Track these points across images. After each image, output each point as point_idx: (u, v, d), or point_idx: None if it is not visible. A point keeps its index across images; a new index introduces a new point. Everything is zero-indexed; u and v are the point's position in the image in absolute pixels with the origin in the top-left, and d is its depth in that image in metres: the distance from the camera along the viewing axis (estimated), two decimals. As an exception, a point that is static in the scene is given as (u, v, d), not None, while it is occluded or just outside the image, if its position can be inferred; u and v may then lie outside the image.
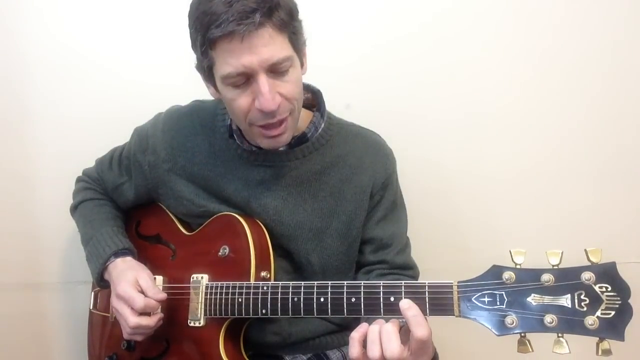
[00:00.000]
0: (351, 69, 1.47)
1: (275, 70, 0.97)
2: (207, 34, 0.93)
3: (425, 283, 0.86)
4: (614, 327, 0.75)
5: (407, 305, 0.85)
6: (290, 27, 0.97)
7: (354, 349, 0.87)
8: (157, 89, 1.43)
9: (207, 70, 1.01)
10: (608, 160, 1.50)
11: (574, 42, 1.46)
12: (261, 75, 0.95)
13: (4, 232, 1.50)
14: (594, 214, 1.48)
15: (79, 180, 1.35)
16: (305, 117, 1.15)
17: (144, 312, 1.05)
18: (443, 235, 1.49)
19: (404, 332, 0.87)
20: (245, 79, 0.97)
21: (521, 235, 1.46)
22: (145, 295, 1.06)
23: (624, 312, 0.75)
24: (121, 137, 1.28)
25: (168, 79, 1.45)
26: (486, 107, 1.49)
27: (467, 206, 1.51)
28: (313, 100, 1.18)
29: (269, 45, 0.94)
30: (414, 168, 1.42)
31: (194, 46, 1.00)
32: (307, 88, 1.16)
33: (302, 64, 1.05)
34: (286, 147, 1.12)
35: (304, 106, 1.15)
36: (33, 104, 1.47)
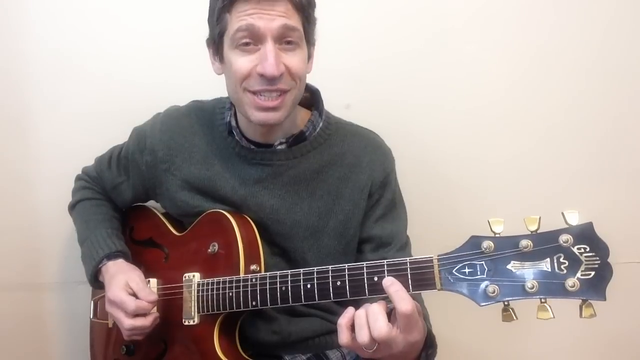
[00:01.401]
0: (351, 69, 1.48)
1: (284, 40, 0.99)
2: None
3: (406, 260, 0.86)
4: (594, 287, 0.74)
5: (389, 282, 0.84)
6: (306, 13, 1.01)
7: (342, 335, 0.86)
8: (157, 88, 1.45)
9: (217, 38, 1.03)
10: (608, 160, 1.49)
11: (573, 42, 1.47)
12: (269, 41, 0.98)
13: (4, 231, 1.51)
14: (594, 214, 1.46)
15: (78, 178, 1.37)
16: (303, 115, 1.16)
17: (138, 314, 1.06)
18: (443, 236, 1.47)
19: (394, 315, 0.86)
20: (253, 43, 0.99)
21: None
22: (137, 297, 1.07)
23: (603, 271, 0.74)
24: (121, 136, 1.29)
25: (168, 78, 1.47)
26: (486, 106, 1.49)
27: (467, 206, 1.50)
28: (311, 99, 1.18)
29: (283, 16, 0.97)
30: (414, 167, 1.42)
31: (210, 16, 1.04)
32: (305, 87, 1.15)
33: (308, 57, 1.07)
34: (284, 146, 1.12)
35: (302, 105, 1.16)
36: (33, 104, 1.49)
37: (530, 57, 1.47)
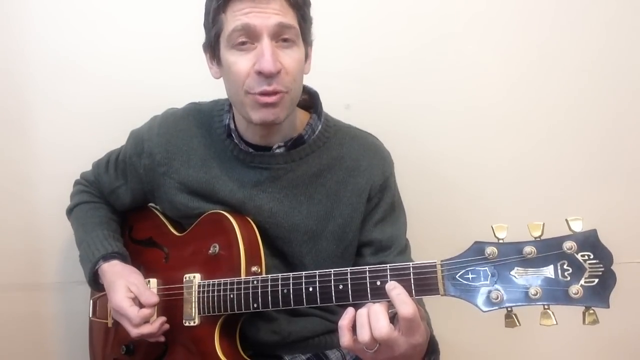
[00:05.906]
0: (351, 69, 1.47)
1: (280, 37, 0.99)
2: None
3: (409, 264, 0.85)
4: (598, 295, 0.74)
5: (392, 286, 0.84)
6: (301, 11, 1.01)
7: (344, 337, 0.86)
8: (157, 89, 1.46)
9: (214, 40, 1.03)
10: (608, 160, 1.50)
11: (573, 43, 1.47)
12: (265, 38, 0.97)
13: (4, 231, 1.51)
14: (594, 214, 1.46)
15: (76, 183, 1.36)
16: (302, 118, 1.15)
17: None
18: (443, 240, 1.47)
19: (396, 319, 0.86)
20: (250, 41, 0.99)
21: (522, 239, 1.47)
22: (139, 300, 1.07)
23: (607, 279, 0.74)
24: (121, 136, 1.28)
25: (167, 79, 1.47)
26: (487, 108, 1.49)
27: (468, 209, 1.51)
28: (310, 101, 1.17)
29: (278, 14, 0.97)
30: (414, 170, 1.42)
31: (206, 19, 1.04)
32: (304, 89, 1.15)
33: (306, 57, 1.06)
34: (283, 149, 1.11)
35: (301, 107, 1.15)
36: (33, 105, 1.49)
37: (531, 59, 1.47)
